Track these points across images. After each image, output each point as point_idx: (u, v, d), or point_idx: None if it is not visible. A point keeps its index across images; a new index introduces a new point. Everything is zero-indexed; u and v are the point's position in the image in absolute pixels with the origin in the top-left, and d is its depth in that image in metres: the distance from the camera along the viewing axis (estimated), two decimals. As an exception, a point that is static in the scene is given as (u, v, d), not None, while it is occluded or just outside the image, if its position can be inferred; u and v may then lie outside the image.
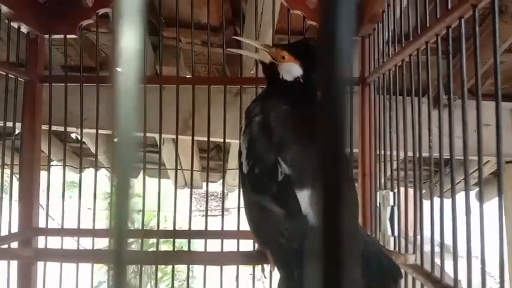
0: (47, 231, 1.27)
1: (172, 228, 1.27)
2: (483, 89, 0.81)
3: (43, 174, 1.33)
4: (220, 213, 1.27)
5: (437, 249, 0.81)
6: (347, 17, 0.14)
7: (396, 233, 0.98)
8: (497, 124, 0.60)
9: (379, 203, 1.06)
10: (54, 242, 1.29)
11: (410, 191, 0.95)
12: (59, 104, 1.28)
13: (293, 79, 0.91)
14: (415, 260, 0.86)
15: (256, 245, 1.04)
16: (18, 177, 1.29)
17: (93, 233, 1.25)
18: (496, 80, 0.61)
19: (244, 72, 1.37)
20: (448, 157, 0.75)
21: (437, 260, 0.81)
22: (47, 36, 1.28)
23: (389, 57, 1.04)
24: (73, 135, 1.76)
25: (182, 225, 1.31)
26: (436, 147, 0.79)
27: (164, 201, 1.29)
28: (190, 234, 1.28)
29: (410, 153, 0.92)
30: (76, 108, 1.27)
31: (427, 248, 0.87)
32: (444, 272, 0.77)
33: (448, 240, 0.74)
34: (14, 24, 1.18)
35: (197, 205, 6.17)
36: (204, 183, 1.42)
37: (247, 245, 1.16)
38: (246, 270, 1.27)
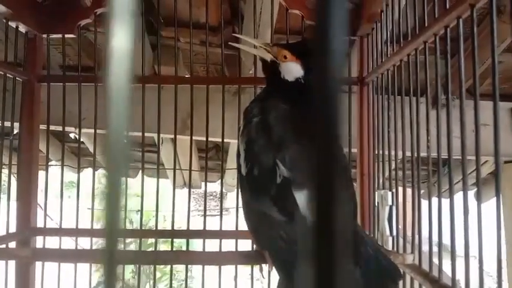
0: (45, 231, 1.27)
1: (170, 228, 1.27)
2: (482, 89, 0.81)
3: (41, 174, 1.33)
4: (219, 213, 1.27)
5: (435, 249, 0.81)
6: (340, 16, 0.14)
7: (394, 233, 0.98)
8: (495, 124, 0.60)
9: (378, 203, 1.06)
10: (52, 242, 1.29)
11: (409, 190, 0.95)
12: (57, 103, 1.28)
13: (294, 79, 0.90)
14: (413, 260, 0.86)
15: (255, 245, 1.04)
16: (16, 177, 1.29)
17: (92, 232, 1.25)
18: (493, 80, 0.61)
19: (242, 72, 1.37)
20: (446, 157, 0.75)
21: (435, 260, 0.81)
22: (45, 35, 1.28)
23: (387, 57, 1.04)
24: (71, 135, 1.76)
25: (181, 225, 1.31)
26: (435, 147, 0.79)
27: (163, 201, 1.29)
28: (188, 234, 1.28)
29: (408, 153, 0.92)
30: (74, 108, 1.27)
31: (425, 247, 0.87)
32: (442, 271, 0.77)
33: (446, 240, 0.74)
34: (12, 24, 1.18)
35: (196, 205, 6.18)
36: (203, 183, 1.42)
37: (246, 245, 1.16)
38: (244, 270, 1.27)
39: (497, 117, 0.60)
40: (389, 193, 1.00)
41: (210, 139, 1.27)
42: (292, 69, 0.90)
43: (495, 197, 0.63)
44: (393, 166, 1.02)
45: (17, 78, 1.22)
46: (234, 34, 1.24)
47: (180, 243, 2.60)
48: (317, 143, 0.14)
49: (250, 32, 1.35)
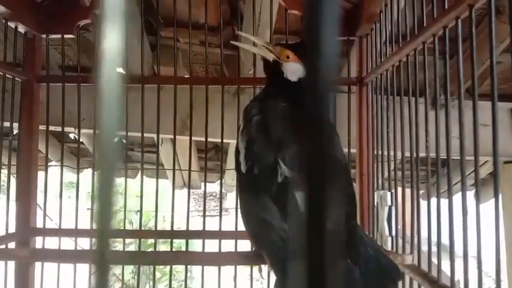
0: (45, 232, 1.27)
1: (170, 229, 1.27)
2: (481, 90, 0.81)
3: (41, 174, 1.33)
4: (219, 214, 1.27)
5: (434, 249, 0.81)
6: (331, 17, 0.14)
7: (394, 233, 0.98)
8: (494, 124, 0.60)
9: (377, 203, 1.06)
10: (51, 242, 1.29)
11: (408, 191, 0.95)
12: (56, 104, 1.27)
13: (297, 79, 0.90)
14: (413, 260, 0.86)
15: (253, 244, 1.04)
16: (15, 177, 1.29)
17: (91, 233, 1.24)
18: (492, 80, 0.61)
19: (242, 72, 1.37)
20: (445, 157, 0.75)
21: (434, 260, 0.81)
22: (44, 36, 1.28)
23: (386, 57, 1.04)
24: (71, 136, 1.76)
25: (180, 225, 1.31)
26: (433, 148, 0.79)
27: (162, 201, 1.29)
28: (188, 235, 1.28)
29: (407, 154, 0.92)
30: (74, 108, 1.27)
31: (424, 248, 0.87)
32: (441, 272, 0.77)
33: (445, 241, 0.74)
34: (11, 24, 1.18)
35: (195, 205, 6.17)
36: (203, 184, 1.42)
37: (245, 245, 1.16)
38: (244, 270, 1.27)
39: (496, 117, 0.60)
40: (389, 193, 1.00)
41: (209, 139, 1.27)
42: (295, 70, 0.90)
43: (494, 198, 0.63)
44: (392, 166, 1.02)
45: (16, 78, 1.22)
46: (237, 32, 1.23)
47: (179, 244, 2.60)
48: (309, 143, 0.14)
49: (250, 32, 1.35)
